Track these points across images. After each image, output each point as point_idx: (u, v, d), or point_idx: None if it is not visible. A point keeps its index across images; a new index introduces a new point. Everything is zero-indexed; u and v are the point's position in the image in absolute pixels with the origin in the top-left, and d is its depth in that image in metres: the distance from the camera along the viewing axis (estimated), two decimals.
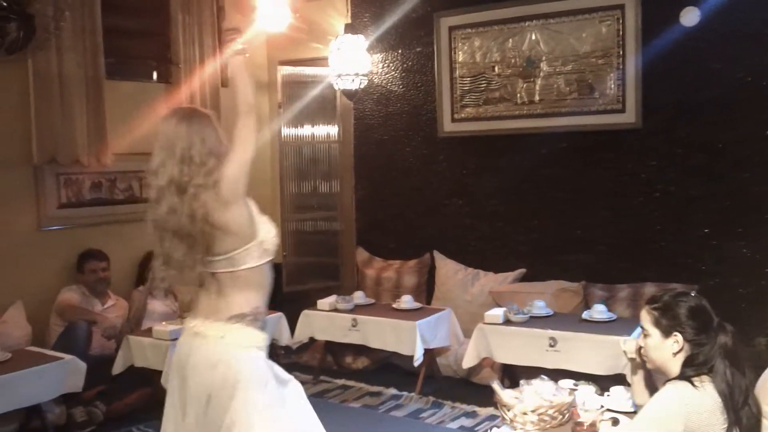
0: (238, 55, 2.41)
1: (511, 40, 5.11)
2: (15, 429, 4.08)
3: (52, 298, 4.70)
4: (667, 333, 2.33)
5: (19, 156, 4.70)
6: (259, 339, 2.32)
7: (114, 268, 4.94)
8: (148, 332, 4.40)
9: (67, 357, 4.07)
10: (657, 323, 2.36)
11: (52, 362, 4.00)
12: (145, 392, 4.44)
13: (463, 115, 5.37)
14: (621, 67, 4.71)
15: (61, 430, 4.13)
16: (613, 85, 4.75)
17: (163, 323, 4.42)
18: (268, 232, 2.38)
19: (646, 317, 2.40)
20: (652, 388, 2.54)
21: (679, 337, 2.30)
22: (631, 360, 2.61)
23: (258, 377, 2.27)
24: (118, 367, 4.41)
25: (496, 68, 5.20)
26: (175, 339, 4.18)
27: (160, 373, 4.18)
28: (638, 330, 2.67)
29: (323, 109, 6.13)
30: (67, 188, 4.97)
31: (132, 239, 5.18)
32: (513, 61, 5.12)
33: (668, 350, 2.32)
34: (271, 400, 2.27)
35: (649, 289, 4.40)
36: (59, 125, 4.77)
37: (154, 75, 5.67)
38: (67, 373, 4.03)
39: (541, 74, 5.01)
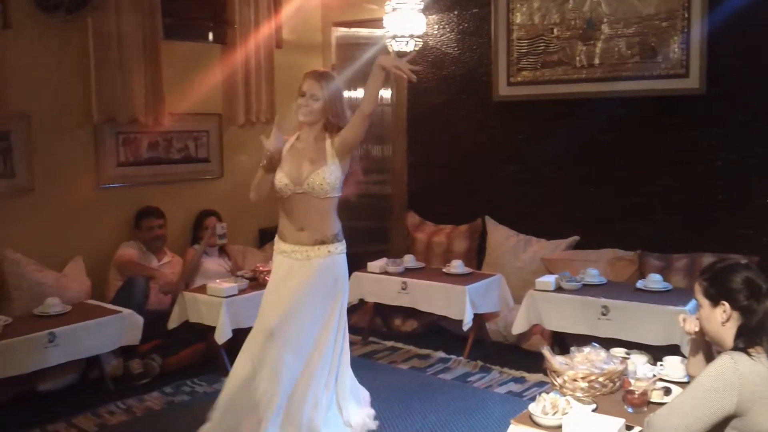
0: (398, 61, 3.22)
1: (571, 1, 4.96)
2: (75, 379, 4.24)
3: (111, 253, 4.83)
4: (715, 302, 2.31)
5: (80, 115, 4.80)
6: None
7: (170, 227, 5.05)
8: (203, 289, 4.49)
9: (126, 311, 4.21)
10: (706, 293, 2.35)
11: (111, 315, 4.15)
12: (199, 347, 4.54)
13: (519, 78, 5.27)
14: (686, 30, 4.54)
15: (119, 381, 4.27)
16: (677, 49, 4.59)
17: (218, 281, 4.51)
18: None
19: (697, 288, 2.39)
20: (710, 361, 2.49)
21: (726, 306, 2.27)
22: (692, 339, 2.57)
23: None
24: (173, 322, 4.51)
25: (555, 30, 5.07)
26: (230, 296, 4.31)
27: (213, 329, 4.28)
28: (693, 302, 2.62)
29: None
30: (126, 147, 5.07)
31: (187, 198, 5.29)
32: (573, 23, 4.98)
33: (717, 320, 2.30)
34: None
35: (708, 259, 4.28)
36: (118, 85, 4.84)
37: (210, 36, 5.71)
38: (125, 327, 4.18)
39: (602, 37, 4.86)
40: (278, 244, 3.35)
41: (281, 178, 3.24)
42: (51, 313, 4.06)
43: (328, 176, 3.21)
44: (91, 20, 4.72)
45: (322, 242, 3.26)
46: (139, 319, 4.23)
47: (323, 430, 3.22)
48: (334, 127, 3.28)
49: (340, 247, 3.33)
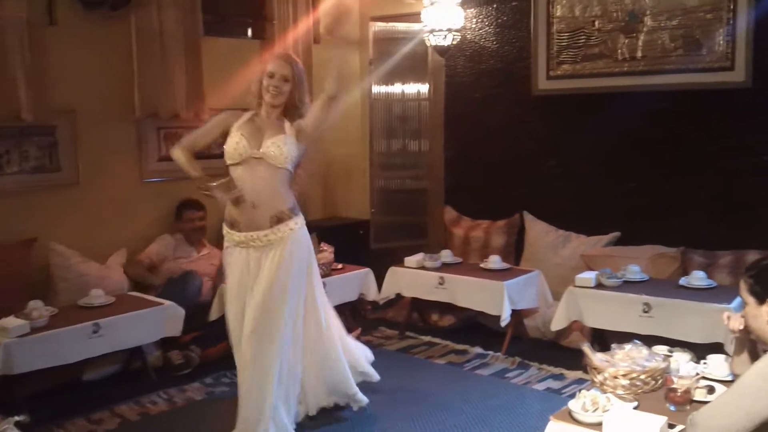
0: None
1: None
2: (118, 369, 4.33)
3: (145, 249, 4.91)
4: (761, 299, 2.26)
5: (123, 111, 4.88)
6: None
7: (208, 220, 5.10)
8: None
9: (167, 303, 4.27)
10: (752, 290, 2.30)
11: (154, 307, 4.22)
12: None
13: (559, 72, 5.21)
14: (731, 22, 4.44)
15: (160, 372, 4.34)
16: (722, 42, 4.49)
17: None
18: (227, 146, 3.29)
19: (743, 286, 2.35)
20: (755, 359, 2.45)
21: None
22: (736, 337, 2.52)
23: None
24: (213, 314, 4.57)
25: (597, 23, 5.00)
26: None
27: None
28: (738, 300, 2.57)
29: (414, 66, 6.07)
30: (167, 142, 5.12)
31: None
32: (615, 15, 4.90)
33: (763, 317, 2.26)
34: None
35: (753, 256, 4.18)
36: (159, 81, 4.91)
37: (249, 32, 5.76)
38: (167, 318, 4.24)
39: (645, 29, 4.78)
40: (230, 235, 3.30)
41: (238, 140, 3.23)
42: (95, 304, 4.13)
43: (286, 145, 3.24)
44: (134, 17, 4.80)
45: (279, 220, 3.24)
46: (181, 311, 4.29)
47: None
48: (295, 112, 3.32)
49: (299, 221, 3.32)
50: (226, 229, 3.35)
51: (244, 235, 3.25)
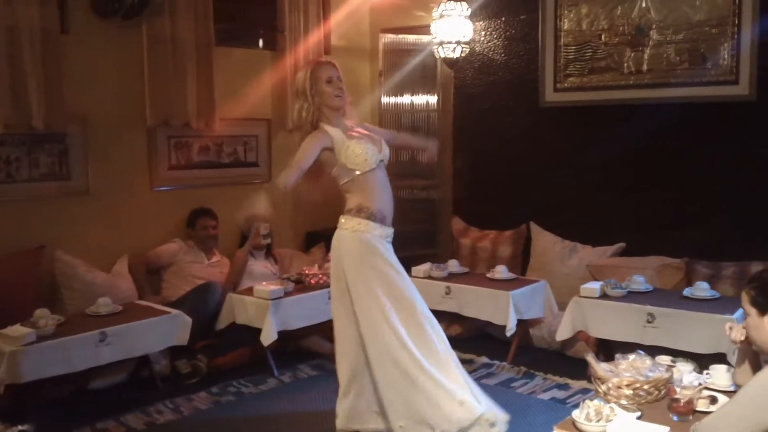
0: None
1: (620, 7, 4.94)
2: (125, 377, 4.33)
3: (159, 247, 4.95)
4: (763, 311, 2.28)
5: (135, 119, 4.91)
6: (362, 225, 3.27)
7: (219, 230, 5.13)
8: (250, 291, 4.57)
9: (174, 311, 4.27)
10: (754, 302, 2.33)
11: (161, 316, 4.21)
12: (246, 349, 4.60)
13: (566, 84, 5.26)
14: (736, 36, 4.48)
15: (167, 381, 4.35)
16: (726, 56, 4.53)
17: (264, 283, 4.58)
18: (349, 156, 3.26)
19: (745, 297, 2.38)
20: (758, 370, 2.47)
21: None
22: (739, 348, 2.54)
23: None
24: (221, 323, 4.61)
25: (603, 36, 5.04)
26: (276, 299, 4.38)
27: (260, 331, 4.35)
28: (741, 311, 2.59)
29: (423, 77, 6.13)
30: (177, 151, 5.17)
31: (236, 201, 5.30)
32: (621, 29, 4.95)
33: (765, 329, 2.28)
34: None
35: (756, 267, 4.21)
36: (171, 90, 4.94)
37: (261, 42, 5.81)
38: (174, 327, 4.24)
39: (651, 43, 4.82)
40: (378, 229, 3.33)
41: (368, 150, 3.29)
42: (103, 312, 4.11)
43: (386, 146, 3.46)
44: (146, 26, 4.82)
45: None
46: (188, 320, 4.27)
47: None
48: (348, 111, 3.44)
49: (347, 220, 3.38)
50: (370, 222, 3.32)
51: (389, 230, 3.42)
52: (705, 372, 2.82)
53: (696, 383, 2.67)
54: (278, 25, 5.70)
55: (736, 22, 4.47)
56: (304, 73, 3.36)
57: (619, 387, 2.66)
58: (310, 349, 4.81)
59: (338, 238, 3.35)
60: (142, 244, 4.92)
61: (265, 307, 4.35)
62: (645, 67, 4.87)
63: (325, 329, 4.83)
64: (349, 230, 3.29)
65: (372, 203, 3.32)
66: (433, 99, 6.14)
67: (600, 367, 2.78)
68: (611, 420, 2.42)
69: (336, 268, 3.35)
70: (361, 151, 3.27)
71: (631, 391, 2.65)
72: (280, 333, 4.39)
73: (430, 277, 4.99)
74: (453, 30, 5.37)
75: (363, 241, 3.28)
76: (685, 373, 2.80)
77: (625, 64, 4.95)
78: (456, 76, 5.88)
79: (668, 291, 4.42)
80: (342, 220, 3.35)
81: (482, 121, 5.77)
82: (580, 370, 4.21)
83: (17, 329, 3.65)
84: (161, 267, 4.91)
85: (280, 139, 5.75)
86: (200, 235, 5.02)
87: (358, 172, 3.29)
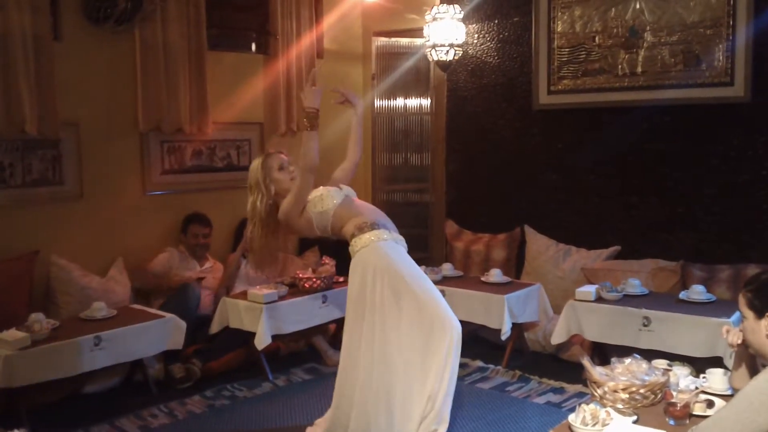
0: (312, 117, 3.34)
1: (613, 9, 4.94)
2: (119, 382, 4.33)
3: (154, 259, 4.93)
4: (760, 314, 2.27)
5: (127, 124, 4.90)
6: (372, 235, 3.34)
7: (212, 234, 5.12)
8: (244, 295, 4.55)
9: (168, 315, 4.27)
10: (751, 305, 2.31)
11: (156, 320, 4.21)
12: (240, 353, 4.60)
13: (560, 87, 5.25)
14: (731, 38, 4.48)
15: (161, 385, 4.34)
16: (721, 57, 4.53)
17: (258, 287, 4.56)
18: (316, 203, 3.41)
19: (741, 300, 2.36)
20: (754, 374, 2.45)
21: None
22: (735, 351, 2.53)
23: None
24: (215, 327, 4.59)
25: (597, 38, 5.04)
26: (269, 303, 4.37)
27: (253, 335, 4.34)
28: (737, 314, 2.58)
29: (416, 80, 6.13)
30: (170, 155, 5.16)
31: (230, 205, 5.36)
32: (615, 31, 4.95)
33: (762, 332, 2.26)
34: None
35: (752, 270, 4.20)
36: (164, 94, 4.94)
37: (253, 46, 5.79)
38: (169, 331, 4.24)
39: (645, 45, 4.82)
40: (387, 234, 3.40)
41: (328, 190, 3.50)
42: (97, 317, 4.12)
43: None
44: (139, 31, 4.82)
45: None
46: (183, 324, 4.28)
47: None
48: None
49: (356, 238, 3.43)
50: (377, 231, 3.39)
51: (395, 234, 3.49)
52: (701, 376, 2.81)
53: (692, 387, 2.66)
54: (271, 29, 5.68)
55: (731, 23, 4.47)
56: (256, 165, 3.57)
57: (615, 391, 2.64)
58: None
59: (356, 262, 3.37)
60: (136, 248, 4.92)
61: (260, 311, 4.33)
62: (639, 69, 4.86)
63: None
64: (364, 247, 3.33)
65: (366, 218, 3.41)
66: (426, 102, 6.14)
67: (596, 371, 2.77)
68: (607, 424, 2.40)
69: (358, 289, 3.34)
70: (320, 193, 3.45)
71: (627, 395, 2.63)
72: (273, 337, 4.38)
73: None
74: (446, 33, 5.36)
75: (379, 248, 3.33)
76: (681, 376, 2.78)
77: (619, 66, 4.95)
78: (449, 79, 5.87)
79: (664, 294, 4.42)
80: (351, 246, 3.39)
81: (475, 124, 5.77)
82: (575, 373, 4.20)
83: (12, 333, 3.66)
84: (159, 278, 4.87)
85: (272, 142, 5.73)
86: (192, 242, 5.01)
87: (332, 206, 3.41)
